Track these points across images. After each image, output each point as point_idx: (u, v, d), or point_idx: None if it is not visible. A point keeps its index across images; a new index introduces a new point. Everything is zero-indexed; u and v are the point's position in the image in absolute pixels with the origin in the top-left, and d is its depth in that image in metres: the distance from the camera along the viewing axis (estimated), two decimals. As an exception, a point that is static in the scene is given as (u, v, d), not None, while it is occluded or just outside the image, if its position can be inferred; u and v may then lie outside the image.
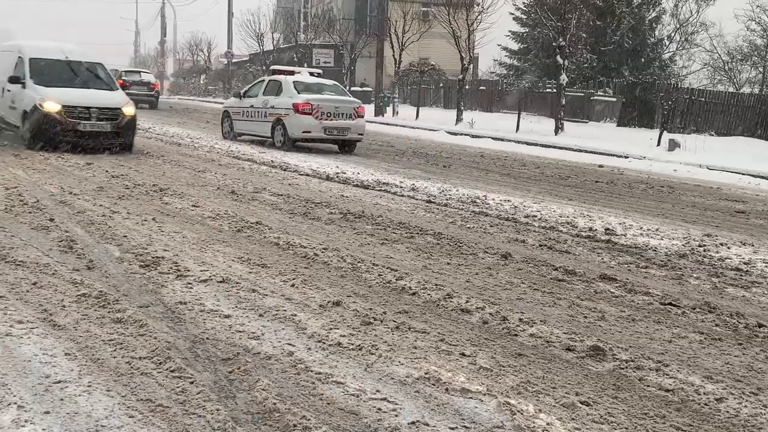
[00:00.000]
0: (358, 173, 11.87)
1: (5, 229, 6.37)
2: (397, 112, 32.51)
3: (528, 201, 9.94)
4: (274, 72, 17.72)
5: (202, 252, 5.97)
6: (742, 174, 15.55)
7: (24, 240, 6.01)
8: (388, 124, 28.30)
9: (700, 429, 3.33)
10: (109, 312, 4.33)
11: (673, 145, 19.69)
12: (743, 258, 6.95)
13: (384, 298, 4.98)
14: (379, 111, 32.33)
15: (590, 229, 8.02)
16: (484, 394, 3.50)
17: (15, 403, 3.14)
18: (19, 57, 13.18)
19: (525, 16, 39.91)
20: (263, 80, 17.59)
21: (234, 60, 52.77)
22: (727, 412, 3.51)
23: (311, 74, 17.64)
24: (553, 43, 25.49)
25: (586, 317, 4.84)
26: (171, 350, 3.79)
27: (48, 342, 3.85)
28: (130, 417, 3.09)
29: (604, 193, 11.77)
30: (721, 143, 21.66)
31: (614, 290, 5.54)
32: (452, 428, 3.18)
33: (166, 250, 5.90)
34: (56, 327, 4.07)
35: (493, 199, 9.83)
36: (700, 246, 7.43)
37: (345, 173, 11.75)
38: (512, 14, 39.88)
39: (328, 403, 3.34)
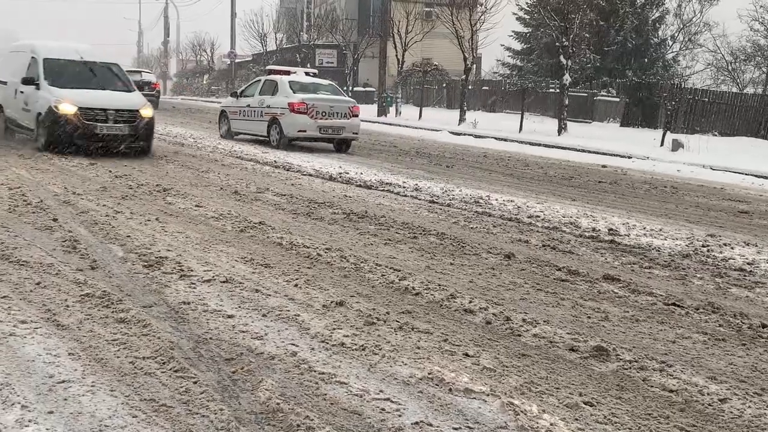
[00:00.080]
0: (361, 173, 11.87)
1: (9, 229, 6.38)
2: (400, 113, 32.50)
3: (531, 201, 9.94)
4: (270, 72, 17.94)
5: (206, 252, 5.98)
6: (746, 174, 15.53)
7: (27, 240, 6.02)
8: (390, 124, 28.32)
9: (704, 429, 3.33)
10: (112, 312, 4.34)
11: (677, 146, 19.67)
12: (747, 258, 6.94)
13: (387, 299, 4.98)
14: (382, 111, 32.33)
15: (593, 230, 8.01)
16: (488, 395, 3.50)
17: (19, 403, 3.15)
18: (32, 57, 12.77)
19: (528, 16, 39.89)
20: (259, 80, 17.80)
21: (237, 60, 52.81)
22: (731, 412, 3.51)
23: (307, 74, 17.91)
24: (557, 44, 25.48)
25: (589, 317, 4.84)
26: (174, 350, 3.80)
27: (52, 342, 3.85)
28: (133, 417, 3.10)
29: (607, 193, 11.76)
30: (724, 143, 21.63)
31: (618, 290, 5.54)
32: (456, 428, 3.18)
33: (169, 250, 5.90)
34: (60, 327, 4.08)
35: (497, 200, 9.82)
36: (703, 246, 7.42)
37: (348, 173, 11.76)
38: (515, 14, 39.83)
39: (332, 404, 3.34)
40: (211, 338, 4.04)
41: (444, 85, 41.32)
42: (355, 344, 4.05)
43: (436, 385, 3.60)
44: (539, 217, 8.70)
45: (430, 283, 5.38)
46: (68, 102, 11.66)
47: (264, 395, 3.33)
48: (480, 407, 3.39)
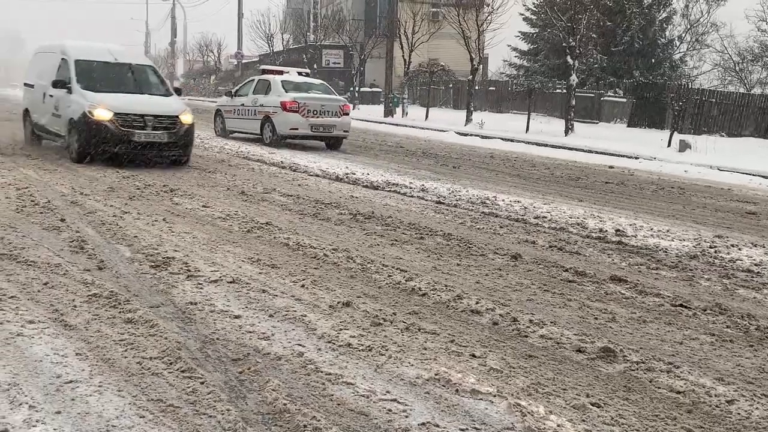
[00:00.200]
0: (368, 174, 11.87)
1: (17, 229, 6.40)
2: (407, 113, 32.51)
3: (538, 202, 9.92)
4: (264, 72, 18.22)
5: (213, 252, 5.99)
6: (753, 175, 15.47)
7: (35, 240, 6.04)
8: (397, 124, 28.33)
9: (711, 431, 3.32)
10: (120, 312, 4.35)
11: (684, 146, 19.61)
12: (754, 259, 6.91)
13: (394, 299, 4.98)
14: (389, 112, 32.35)
15: (600, 230, 7.99)
16: (495, 396, 3.49)
17: (26, 403, 3.16)
18: (63, 59, 11.89)
19: (535, 17, 39.87)
20: (253, 80, 18.12)
21: (244, 61, 52.90)
22: (739, 414, 3.49)
23: (299, 74, 18.22)
24: (563, 44, 25.46)
25: (596, 318, 4.83)
26: (181, 350, 3.81)
27: (59, 342, 3.87)
28: (140, 417, 3.10)
29: (614, 194, 11.73)
30: (731, 144, 21.57)
31: (625, 291, 5.52)
32: (463, 429, 3.18)
33: (176, 251, 5.92)
34: (67, 327, 4.09)
35: (503, 200, 9.81)
36: (711, 247, 7.39)
37: (354, 174, 11.76)
38: (522, 15, 39.85)
39: (338, 404, 3.34)
40: (218, 338, 4.05)
41: (450, 85, 41.29)
42: (362, 345, 4.05)
43: (443, 386, 3.59)
44: (546, 217, 8.69)
45: (437, 283, 5.38)
46: (104, 107, 10.79)
47: (271, 396, 3.33)
48: (487, 408, 3.38)
